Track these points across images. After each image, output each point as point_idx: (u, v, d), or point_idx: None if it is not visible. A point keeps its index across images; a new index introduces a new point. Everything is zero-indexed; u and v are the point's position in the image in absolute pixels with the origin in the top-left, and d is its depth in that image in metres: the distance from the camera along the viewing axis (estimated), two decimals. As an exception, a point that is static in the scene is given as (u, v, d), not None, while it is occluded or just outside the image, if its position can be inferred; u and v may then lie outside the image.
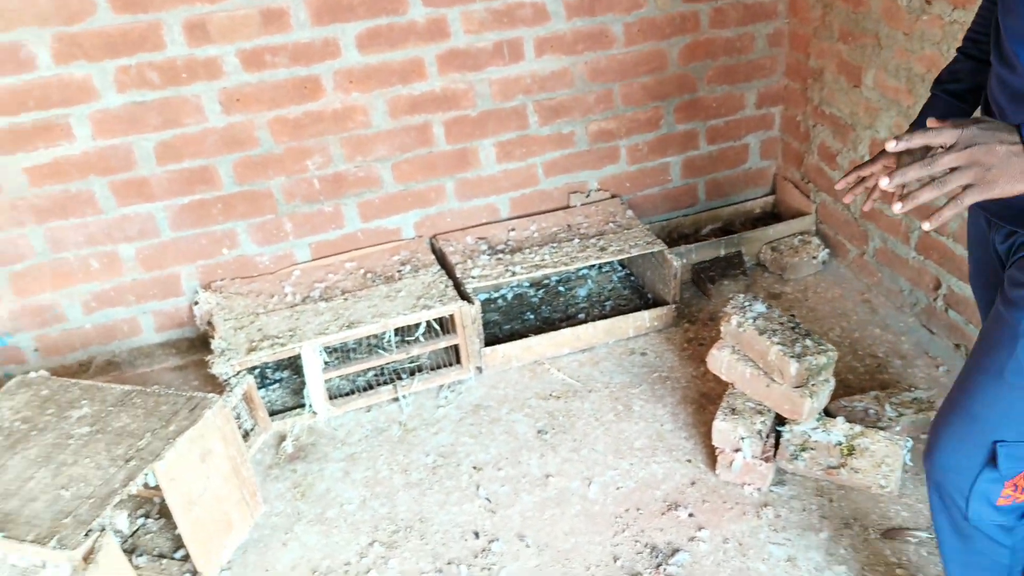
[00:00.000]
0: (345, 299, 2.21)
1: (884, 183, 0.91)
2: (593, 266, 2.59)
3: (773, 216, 2.82)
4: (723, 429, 1.83)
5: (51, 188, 2.04)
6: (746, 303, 1.92)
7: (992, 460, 1.15)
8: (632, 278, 2.59)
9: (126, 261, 2.18)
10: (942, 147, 0.90)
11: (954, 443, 1.19)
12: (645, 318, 2.34)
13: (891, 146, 0.90)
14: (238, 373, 1.99)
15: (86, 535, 1.45)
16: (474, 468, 1.96)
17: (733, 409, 1.86)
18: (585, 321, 2.38)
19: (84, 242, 2.12)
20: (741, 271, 2.53)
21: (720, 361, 1.90)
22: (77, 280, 2.15)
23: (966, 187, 0.89)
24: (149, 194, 2.13)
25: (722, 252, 2.59)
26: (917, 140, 0.90)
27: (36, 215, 2.05)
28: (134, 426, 1.68)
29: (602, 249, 2.36)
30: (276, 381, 2.24)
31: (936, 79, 1.33)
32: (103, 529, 1.48)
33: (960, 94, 1.28)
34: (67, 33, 1.90)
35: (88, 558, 1.45)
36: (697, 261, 2.55)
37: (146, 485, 1.61)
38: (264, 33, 2.05)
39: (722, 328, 1.91)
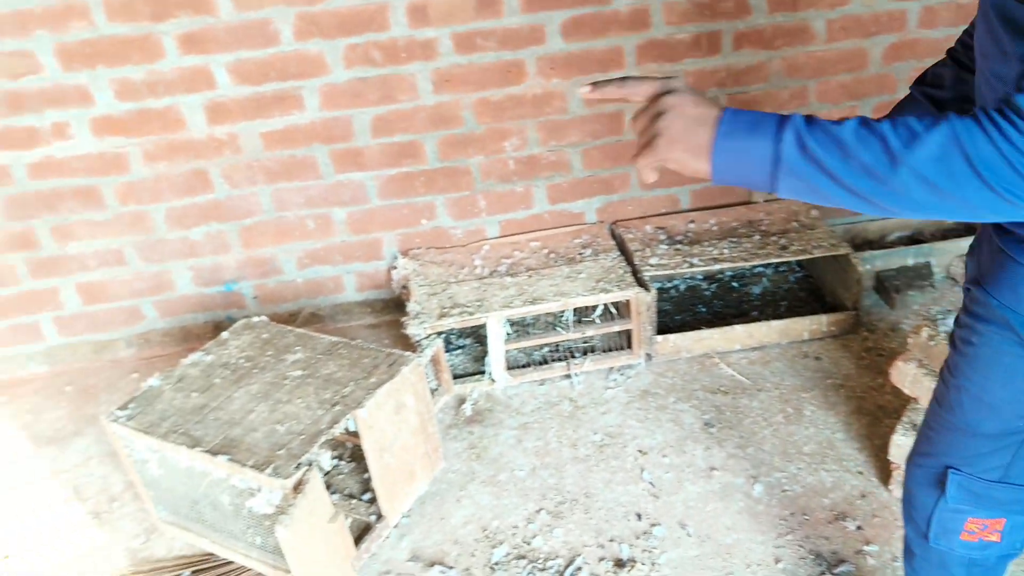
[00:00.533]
0: (529, 276, 2.25)
1: (583, 90, 0.90)
2: (770, 264, 2.51)
3: (966, 228, 2.62)
4: (902, 444, 1.74)
5: (281, 153, 2.20)
6: (938, 316, 1.80)
7: (942, 486, 1.09)
8: (810, 280, 2.48)
9: (337, 224, 2.32)
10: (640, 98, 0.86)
11: (916, 459, 1.15)
12: (823, 322, 2.25)
13: (583, 91, 0.90)
14: (429, 336, 2.08)
15: (297, 467, 1.57)
16: (639, 452, 1.96)
17: (914, 425, 1.76)
18: (758, 319, 2.32)
19: (303, 203, 2.28)
20: (929, 283, 2.37)
21: (905, 374, 1.79)
22: (294, 238, 2.32)
23: (645, 145, 0.84)
24: (362, 163, 2.25)
25: (910, 261, 2.43)
26: (611, 90, 0.88)
27: (267, 176, 2.22)
28: (340, 374, 1.79)
29: (783, 248, 2.28)
30: (459, 347, 2.33)
31: (918, 78, 1.15)
32: (311, 464, 1.61)
33: (941, 102, 1.11)
34: (308, 12, 2.03)
35: (297, 488, 1.57)
36: (882, 268, 2.42)
37: (346, 430, 1.72)
38: (478, 18, 2.11)
39: (910, 340, 1.80)
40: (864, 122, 0.78)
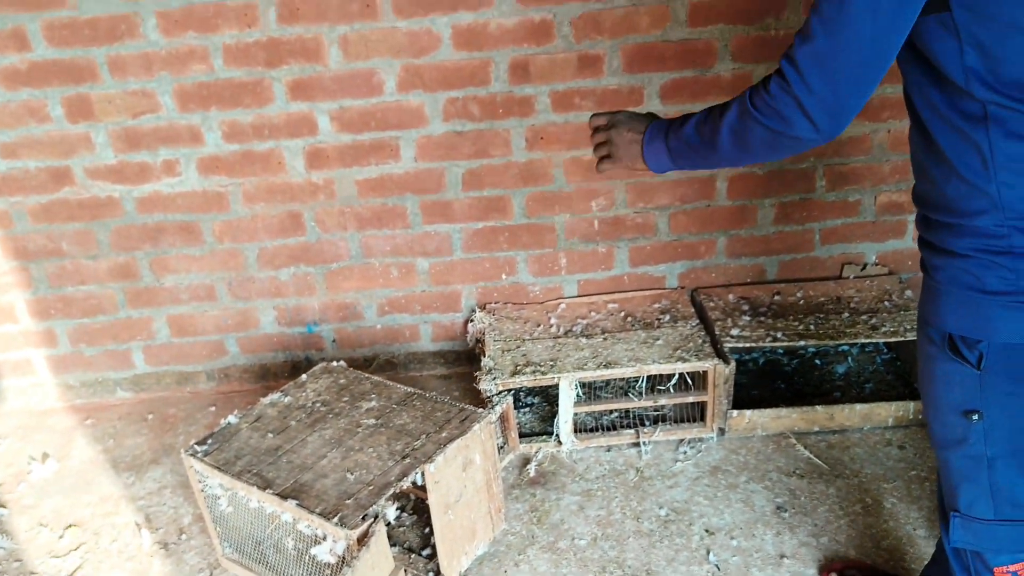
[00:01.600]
0: (604, 338, 2.22)
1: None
2: (856, 344, 2.41)
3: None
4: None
5: (373, 200, 2.24)
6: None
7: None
8: (898, 363, 2.37)
9: (420, 273, 2.34)
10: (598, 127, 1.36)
11: (941, 524, 1.27)
12: (909, 408, 2.13)
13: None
14: (500, 392, 2.07)
15: (363, 518, 1.57)
16: (706, 531, 1.89)
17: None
18: (841, 401, 2.22)
19: (389, 251, 2.31)
20: None
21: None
22: (377, 284, 2.35)
23: (605, 157, 1.35)
24: (450, 216, 2.27)
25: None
26: (592, 121, 1.38)
27: (357, 222, 2.27)
28: (412, 426, 1.80)
29: (873, 328, 2.18)
30: (528, 405, 2.31)
31: None
32: (377, 516, 1.60)
33: None
34: (413, 64, 2.08)
35: (362, 540, 1.57)
36: (978, 359, 2.29)
37: (413, 483, 1.72)
38: (578, 77, 2.12)
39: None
40: (705, 112, 1.18)
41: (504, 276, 2.37)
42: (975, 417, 1.11)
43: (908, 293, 2.32)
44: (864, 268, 2.41)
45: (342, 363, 2.01)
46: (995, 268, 1.03)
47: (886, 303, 2.29)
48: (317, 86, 2.09)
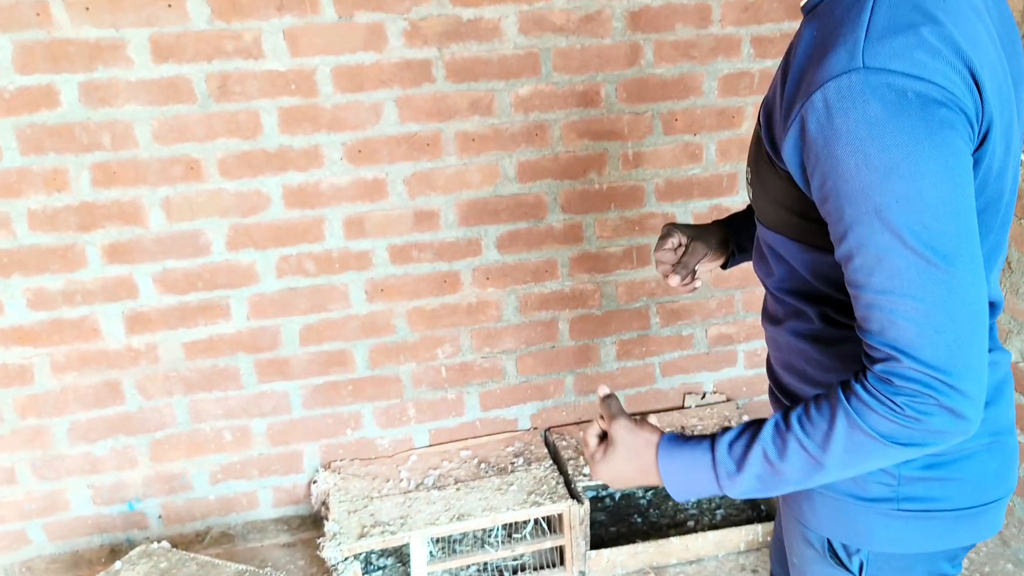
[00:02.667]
0: (457, 489, 2.25)
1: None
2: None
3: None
4: None
5: (203, 362, 2.19)
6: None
7: None
8: (743, 487, 2.56)
9: (256, 436, 2.29)
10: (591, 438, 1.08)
11: None
12: (758, 531, 2.29)
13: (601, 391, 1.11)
14: (346, 559, 2.02)
15: None
16: None
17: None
18: (695, 529, 2.35)
19: (222, 414, 2.25)
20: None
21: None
22: (209, 451, 2.27)
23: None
24: (288, 373, 2.26)
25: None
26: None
27: (185, 386, 2.20)
28: (253, 616, 1.72)
29: (715, 457, 2.36)
30: (380, 568, 2.27)
31: None
32: None
33: None
34: (242, 224, 2.10)
35: None
36: (812, 477, 2.51)
37: None
38: (415, 231, 2.22)
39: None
40: (776, 433, 0.89)
41: (349, 431, 2.36)
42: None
43: (746, 417, 2.54)
44: (704, 397, 2.62)
45: (164, 544, 1.91)
46: (876, 473, 0.97)
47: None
48: (137, 249, 2.06)
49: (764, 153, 0.94)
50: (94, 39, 1.92)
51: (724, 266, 1.38)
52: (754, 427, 0.92)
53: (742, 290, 2.53)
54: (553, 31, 2.15)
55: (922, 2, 0.81)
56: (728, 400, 2.63)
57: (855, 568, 1.03)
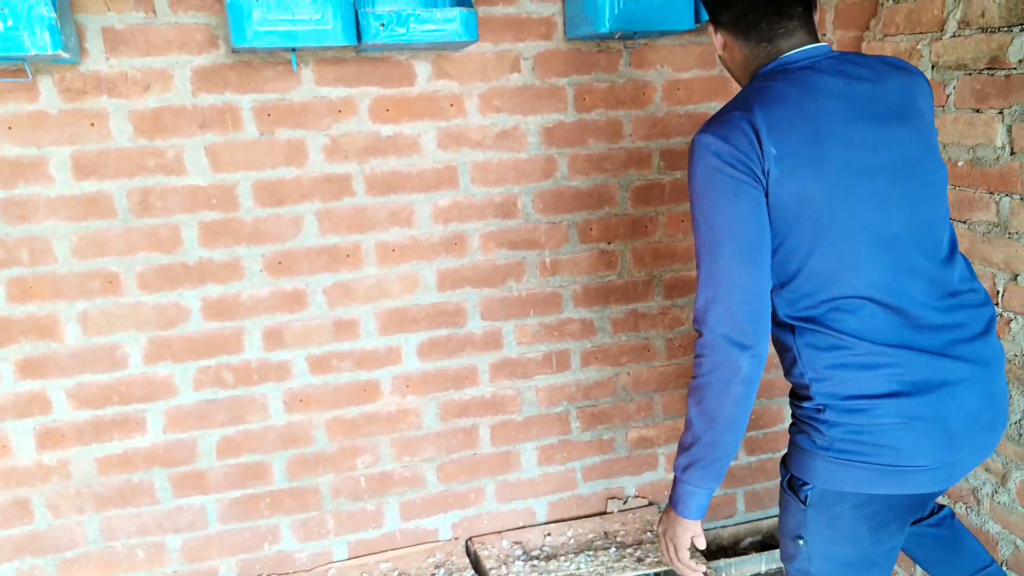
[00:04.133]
0: (378, 603, 2.34)
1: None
2: (628, 575, 2.72)
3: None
4: None
5: (116, 478, 2.28)
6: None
7: None
8: (668, 592, 2.70)
9: (171, 552, 2.36)
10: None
11: None
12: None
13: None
14: None
15: None
16: None
17: None
18: (618, 639, 2.47)
19: (135, 531, 2.32)
20: (781, 594, 2.63)
21: None
22: (121, 570, 2.33)
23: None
24: (204, 487, 2.35)
25: (763, 568, 2.71)
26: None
27: (97, 503, 2.28)
28: None
29: (639, 560, 2.50)
30: None
31: None
32: None
33: None
34: (160, 337, 2.24)
35: None
36: (736, 579, 2.68)
37: None
38: (334, 340, 2.38)
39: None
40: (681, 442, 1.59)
41: (267, 545, 2.45)
42: (801, 542, 1.58)
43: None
44: (626, 502, 2.78)
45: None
46: (814, 431, 1.51)
47: (649, 534, 2.64)
48: (52, 363, 2.17)
49: None
50: (15, 157, 2.07)
51: None
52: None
53: (661, 393, 2.73)
54: (470, 146, 2.39)
55: (744, 95, 1.49)
56: (650, 504, 2.80)
57: (802, 497, 1.54)
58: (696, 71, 2.53)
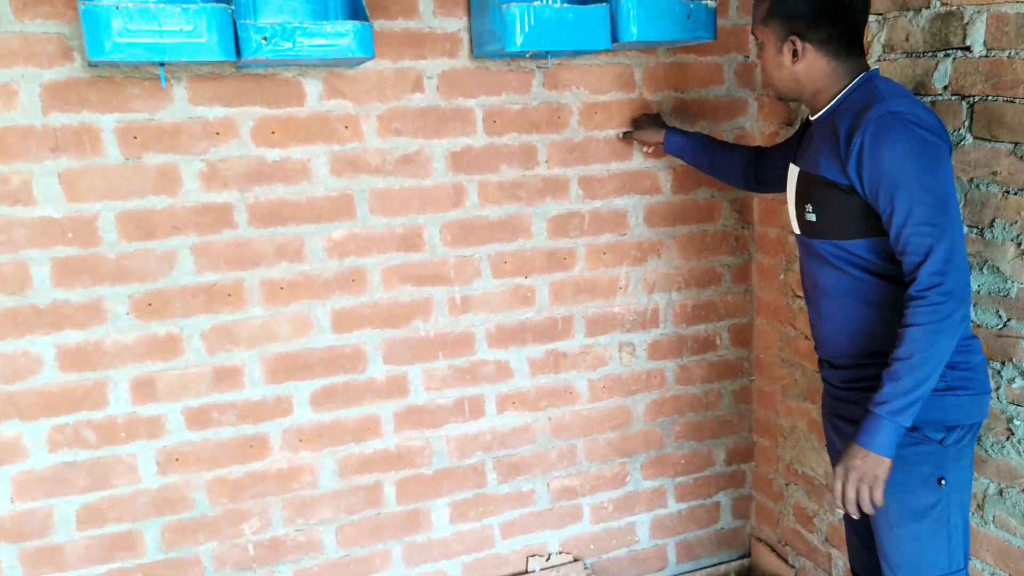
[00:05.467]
0: None
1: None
2: (552, 641, 2.57)
3: (750, 582, 2.87)
4: None
5: (-50, 559, 2.04)
6: None
7: None
8: (596, 658, 2.56)
9: (20, 643, 2.12)
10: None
11: None
12: None
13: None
14: None
15: None
16: None
17: None
18: None
19: (-25, 620, 2.08)
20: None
21: None
22: (-43, 666, 2.08)
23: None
24: (61, 563, 2.11)
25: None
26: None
27: (-74, 590, 2.03)
28: None
29: (563, 626, 2.36)
30: None
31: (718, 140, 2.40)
32: None
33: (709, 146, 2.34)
34: (5, 392, 2.01)
35: None
36: (668, 642, 2.55)
37: None
38: (214, 391, 2.19)
39: None
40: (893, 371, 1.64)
41: (137, 629, 2.22)
42: (943, 482, 1.72)
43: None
44: (549, 559, 2.63)
45: None
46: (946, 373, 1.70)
47: (573, 594, 2.51)
48: None
49: (827, 188, 1.72)
50: None
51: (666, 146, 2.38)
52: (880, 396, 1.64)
53: (584, 438, 2.61)
54: (368, 172, 2.24)
55: (895, 88, 1.71)
56: (575, 560, 2.66)
57: (939, 439, 1.72)
58: (615, 93, 2.46)
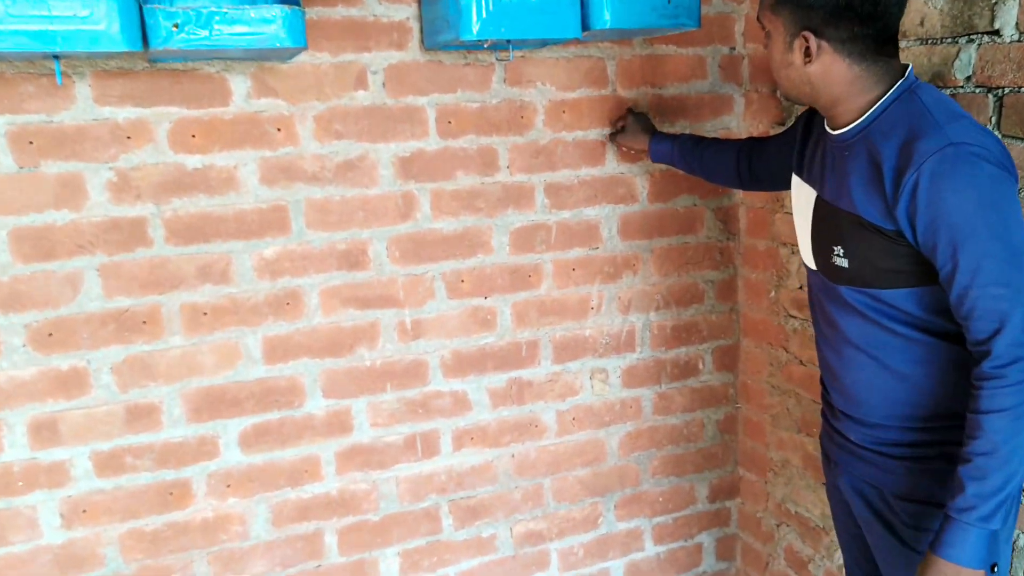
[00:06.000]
0: None
1: None
2: None
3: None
4: None
5: None
6: None
7: None
8: None
9: None
10: None
11: None
12: None
13: None
14: None
15: None
16: None
17: None
18: None
19: None
20: None
21: None
22: None
23: None
24: (-57, 635, 1.88)
25: None
26: None
27: None
28: None
29: None
30: None
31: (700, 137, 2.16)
32: None
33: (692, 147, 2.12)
34: None
35: None
36: None
37: None
38: (128, 432, 1.95)
39: None
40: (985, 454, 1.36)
41: None
42: (996, 569, 1.45)
43: None
44: (513, 610, 2.42)
45: None
46: None
47: (541, 651, 2.29)
48: None
49: (865, 231, 1.44)
50: None
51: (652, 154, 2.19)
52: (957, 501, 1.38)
53: (552, 476, 2.40)
54: (305, 180, 2.02)
55: (948, 105, 1.42)
56: (543, 611, 2.45)
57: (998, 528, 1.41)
58: (584, 90, 2.26)
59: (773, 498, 2.53)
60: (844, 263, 1.50)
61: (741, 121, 2.46)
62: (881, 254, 1.44)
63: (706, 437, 2.60)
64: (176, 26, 1.66)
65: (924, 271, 1.41)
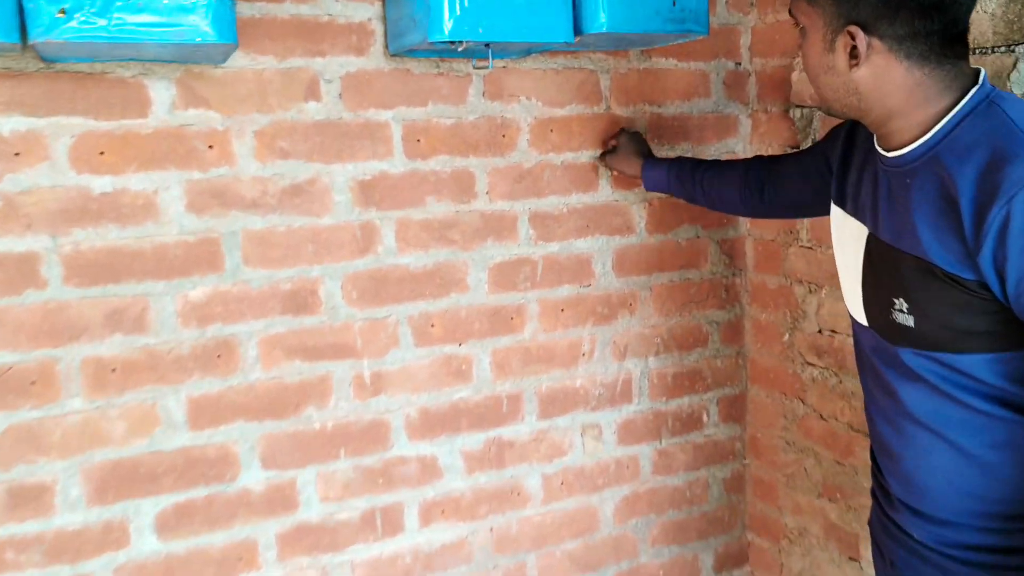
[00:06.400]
0: None
1: None
2: None
3: None
4: None
5: None
6: None
7: None
8: None
9: None
10: None
11: None
12: None
13: None
14: None
15: None
16: None
17: None
18: None
19: None
20: None
21: None
22: None
23: None
24: None
25: None
26: None
27: None
28: None
29: None
30: None
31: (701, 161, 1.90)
32: None
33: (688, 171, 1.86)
34: None
35: None
36: None
37: None
38: (11, 519, 1.60)
39: None
40: None
41: None
42: None
43: None
44: None
45: None
46: None
47: None
48: None
49: (937, 281, 1.16)
50: None
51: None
52: None
53: (537, 552, 2.09)
54: (242, 208, 1.71)
55: None
56: None
57: None
58: (575, 106, 2.01)
59: (789, 570, 2.25)
60: (908, 321, 1.21)
61: (748, 144, 2.22)
62: (957, 310, 1.17)
63: (711, 499, 2.30)
64: (63, 12, 1.33)
65: (1012, 332, 1.14)
